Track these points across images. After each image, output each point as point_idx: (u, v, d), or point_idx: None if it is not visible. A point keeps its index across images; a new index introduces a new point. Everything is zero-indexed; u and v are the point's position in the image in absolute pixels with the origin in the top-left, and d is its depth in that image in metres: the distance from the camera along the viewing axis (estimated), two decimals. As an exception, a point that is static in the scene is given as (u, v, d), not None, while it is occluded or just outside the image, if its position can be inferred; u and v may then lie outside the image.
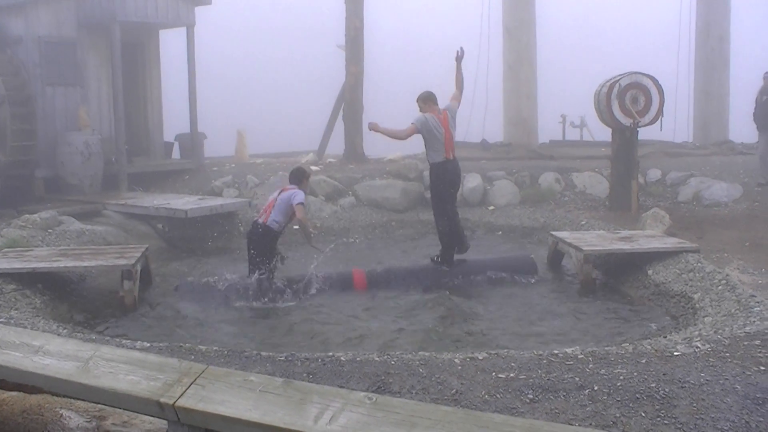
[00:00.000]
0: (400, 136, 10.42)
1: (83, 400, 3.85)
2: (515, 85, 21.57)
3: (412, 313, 9.24)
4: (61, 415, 3.87)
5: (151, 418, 3.66)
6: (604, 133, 16.98)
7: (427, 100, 10.54)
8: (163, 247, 13.34)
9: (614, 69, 15.06)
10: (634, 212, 13.76)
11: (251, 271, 10.02)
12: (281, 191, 10.28)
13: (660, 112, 13.85)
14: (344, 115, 18.90)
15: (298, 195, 10.11)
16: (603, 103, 13.94)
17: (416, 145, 19.78)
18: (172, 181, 17.14)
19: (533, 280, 10.56)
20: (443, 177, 10.47)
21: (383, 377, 5.57)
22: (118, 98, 16.11)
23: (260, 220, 10.15)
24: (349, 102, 18.74)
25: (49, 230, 12.02)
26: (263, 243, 10.08)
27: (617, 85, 13.73)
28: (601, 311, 9.17)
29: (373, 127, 10.39)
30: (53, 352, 3.79)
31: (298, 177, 10.41)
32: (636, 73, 13.93)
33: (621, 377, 5.47)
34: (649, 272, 9.97)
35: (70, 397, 3.90)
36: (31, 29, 15.41)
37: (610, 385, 5.31)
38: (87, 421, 3.80)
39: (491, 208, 15.71)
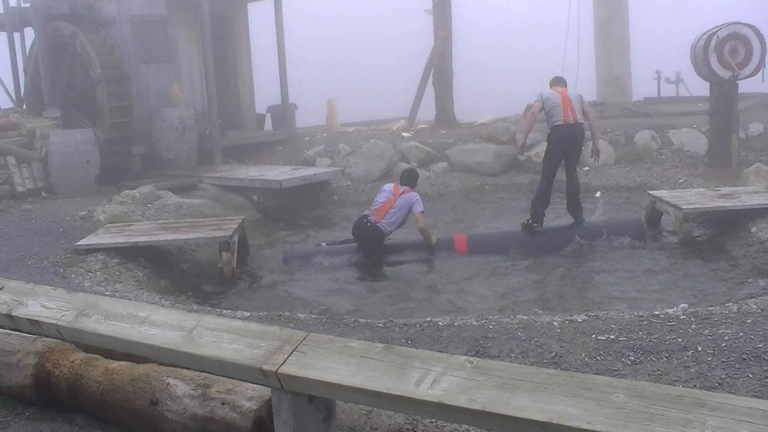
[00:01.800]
0: (530, 119, 10.58)
1: (188, 368, 3.94)
2: (607, 42, 21.07)
3: (511, 277, 9.20)
4: (168, 383, 3.96)
5: (255, 385, 3.71)
6: (701, 88, 16.43)
7: (551, 82, 10.78)
8: (258, 218, 13.54)
9: (711, 21, 14.54)
10: (734, 168, 13.34)
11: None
12: (398, 194, 10.32)
13: (762, 63, 13.33)
14: (434, 81, 18.76)
15: (418, 202, 10.28)
16: (700, 57, 13.50)
17: (507, 108, 19.69)
18: (265, 152, 17.35)
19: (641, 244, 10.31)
20: (558, 140, 10.35)
21: (482, 341, 5.55)
22: (210, 73, 16.32)
23: (372, 218, 10.17)
24: (438, 67, 18.59)
25: (148, 205, 12.31)
26: (371, 242, 10.18)
27: (715, 37, 13.27)
28: (703, 271, 8.94)
29: (520, 151, 11.12)
30: (158, 323, 3.88)
31: (413, 179, 10.70)
32: (735, 23, 13.41)
33: (726, 338, 5.33)
34: (753, 230, 9.68)
35: (176, 366, 4.00)
36: (124, 9, 15.71)
37: (715, 346, 5.18)
38: (193, 389, 3.88)
39: (585, 168, 15.42)
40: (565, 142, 10.30)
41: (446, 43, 18.51)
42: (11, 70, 18.29)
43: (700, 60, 13.56)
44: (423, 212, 10.25)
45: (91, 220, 11.20)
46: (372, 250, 10.14)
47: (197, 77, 17.07)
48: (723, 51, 13.25)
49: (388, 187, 10.62)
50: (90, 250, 9.42)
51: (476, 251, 10.15)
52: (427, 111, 19.32)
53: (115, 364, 4.30)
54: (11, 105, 18.30)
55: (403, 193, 10.34)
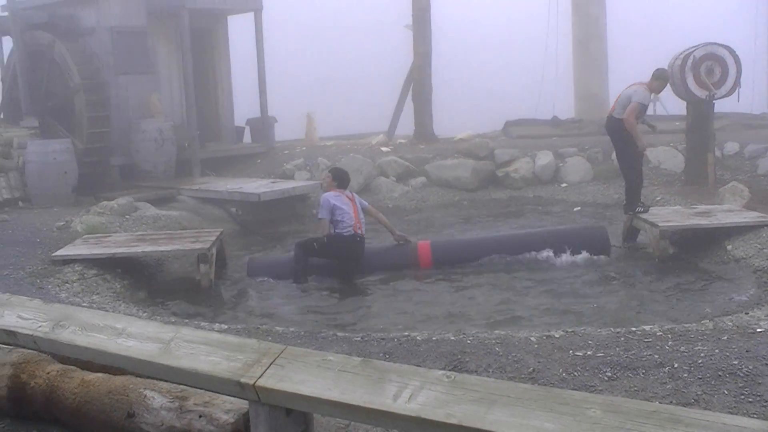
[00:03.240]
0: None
1: (166, 380, 3.92)
2: (585, 60, 21.25)
3: (478, 292, 9.23)
4: (145, 395, 3.95)
5: (232, 398, 3.71)
6: (678, 107, 16.58)
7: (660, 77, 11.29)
8: (236, 230, 13.50)
9: (688, 41, 14.69)
10: (710, 186, 13.46)
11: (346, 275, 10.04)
12: (353, 198, 10.19)
13: (737, 83, 13.46)
14: (413, 95, 18.84)
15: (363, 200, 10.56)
16: (677, 76, 13.62)
17: (486, 124, 19.80)
18: (243, 165, 17.32)
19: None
20: None
21: (459, 356, 5.56)
22: (189, 84, 16.30)
23: (359, 233, 9.98)
24: (417, 82, 18.66)
25: (126, 216, 12.26)
26: (361, 255, 10.10)
27: (691, 56, 13.39)
28: (679, 288, 9.00)
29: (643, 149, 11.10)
30: (135, 334, 3.87)
31: (348, 179, 10.51)
32: (711, 43, 13.55)
33: (702, 354, 5.37)
34: (729, 247, 9.76)
35: (153, 378, 3.98)
36: (103, 20, 15.66)
37: (691, 363, 5.22)
38: (170, 402, 3.87)
39: (564, 185, 15.53)
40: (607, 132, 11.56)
41: (425, 59, 18.59)
42: (-12, 79, 18.20)
43: (676, 79, 13.67)
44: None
45: (69, 231, 11.14)
46: (358, 264, 10.11)
47: (176, 89, 17.03)
48: (699, 71, 13.37)
49: (337, 197, 10.00)
50: (67, 261, 9.37)
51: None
52: (406, 126, 19.39)
53: (91, 376, 4.27)
54: (-12, 114, 18.18)
55: (354, 196, 10.28)
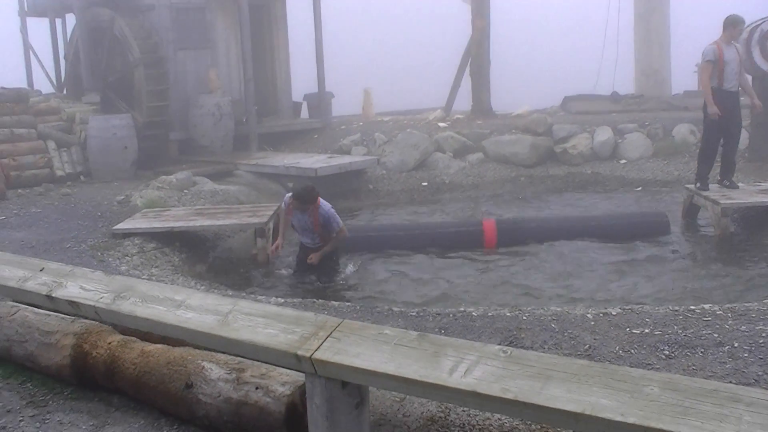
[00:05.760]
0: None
1: (223, 352, 3.97)
2: (646, 34, 20.82)
3: (536, 269, 9.18)
4: (203, 367, 4.00)
5: (289, 370, 3.74)
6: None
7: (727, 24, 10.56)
8: (293, 205, 13.56)
9: (754, 13, 14.31)
10: (775, 163, 13.20)
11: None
12: None
13: (808, 56, 13.14)
14: (470, 71, 18.68)
15: None
16: (742, 50, 13.30)
17: (543, 100, 19.58)
18: (300, 140, 17.39)
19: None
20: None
21: (515, 332, 5.53)
22: (247, 60, 16.37)
23: None
24: (475, 57, 18.50)
25: (185, 191, 12.39)
26: None
27: (759, 29, 13.07)
28: (741, 267, 8.85)
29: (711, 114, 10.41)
30: (194, 307, 3.92)
31: None
32: (779, 16, 13.23)
33: (763, 334, 5.28)
34: (793, 226, 9.57)
35: (211, 350, 4.04)
36: (163, -5, 15.83)
37: (752, 342, 5.13)
38: (227, 373, 3.91)
39: (623, 161, 15.32)
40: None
41: (483, 33, 18.42)
42: (53, 56, 18.53)
43: (742, 53, 13.36)
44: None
45: (128, 205, 11.31)
46: None
47: (234, 64, 17.11)
48: (766, 44, 13.07)
49: None
50: (127, 235, 9.52)
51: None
52: (464, 101, 19.25)
53: (151, 347, 4.35)
54: (52, 90, 18.52)
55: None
